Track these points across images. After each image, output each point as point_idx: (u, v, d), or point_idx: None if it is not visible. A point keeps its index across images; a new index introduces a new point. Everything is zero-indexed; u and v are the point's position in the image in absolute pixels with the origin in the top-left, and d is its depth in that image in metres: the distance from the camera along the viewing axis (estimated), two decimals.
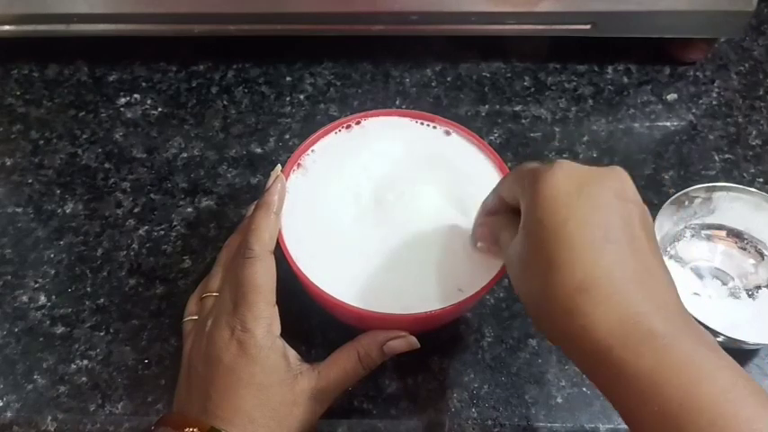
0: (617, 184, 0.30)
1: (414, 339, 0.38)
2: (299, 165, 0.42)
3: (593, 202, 0.29)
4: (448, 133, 0.44)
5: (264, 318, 0.36)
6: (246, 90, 0.59)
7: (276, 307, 0.37)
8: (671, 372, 0.25)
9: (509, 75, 0.60)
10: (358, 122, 0.44)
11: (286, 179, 0.40)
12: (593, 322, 0.27)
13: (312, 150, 0.43)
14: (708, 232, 0.48)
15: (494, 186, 0.37)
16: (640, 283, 0.28)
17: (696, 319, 0.36)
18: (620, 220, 0.29)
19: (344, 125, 0.44)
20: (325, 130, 0.43)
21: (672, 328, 0.27)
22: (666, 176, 0.54)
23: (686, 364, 0.26)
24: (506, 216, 0.35)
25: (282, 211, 0.39)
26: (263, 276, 0.36)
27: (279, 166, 0.40)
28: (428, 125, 0.44)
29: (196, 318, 0.40)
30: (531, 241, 0.30)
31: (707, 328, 0.40)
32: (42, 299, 0.46)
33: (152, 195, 0.52)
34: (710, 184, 0.46)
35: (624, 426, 0.41)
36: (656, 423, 0.26)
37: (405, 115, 0.44)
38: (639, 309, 0.27)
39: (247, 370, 0.35)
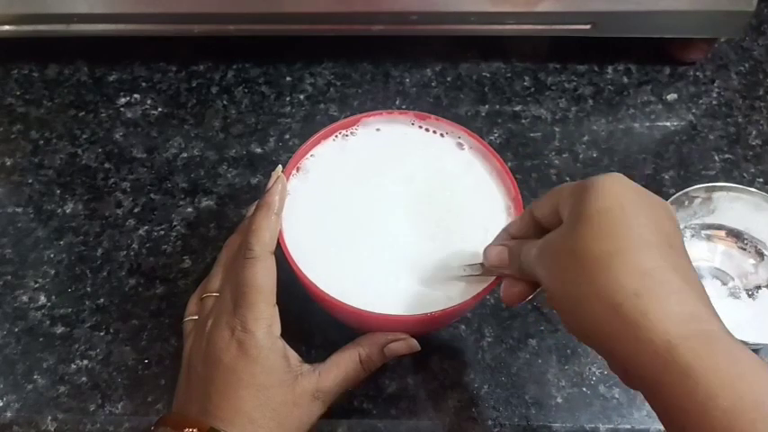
0: (659, 198, 0.31)
1: (414, 342, 0.38)
2: (299, 167, 0.42)
3: (651, 209, 0.30)
4: (442, 136, 0.44)
5: (265, 318, 0.36)
6: (246, 90, 0.59)
7: (276, 307, 0.37)
8: (738, 370, 0.25)
9: (509, 75, 0.60)
10: (358, 125, 0.44)
11: (286, 181, 0.40)
12: (653, 325, 0.27)
13: (312, 155, 0.43)
14: (708, 232, 0.48)
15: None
16: (693, 288, 0.28)
17: None
18: (672, 230, 0.30)
19: (344, 127, 0.44)
20: (325, 131, 0.43)
21: (724, 331, 0.27)
22: (666, 176, 0.54)
23: (746, 363, 0.26)
24: (530, 241, 0.34)
25: (283, 211, 0.39)
26: (264, 277, 0.36)
27: (279, 167, 0.40)
28: (427, 129, 0.44)
29: (196, 318, 0.40)
30: (585, 231, 0.29)
31: None
32: (42, 299, 0.46)
33: (152, 195, 0.52)
34: (710, 184, 0.46)
35: (623, 426, 0.41)
36: (723, 423, 0.25)
37: (405, 115, 0.44)
38: (699, 310, 0.27)
39: (248, 370, 0.35)
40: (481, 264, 0.38)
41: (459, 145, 0.44)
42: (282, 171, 0.40)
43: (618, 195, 0.30)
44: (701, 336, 0.26)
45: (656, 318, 0.27)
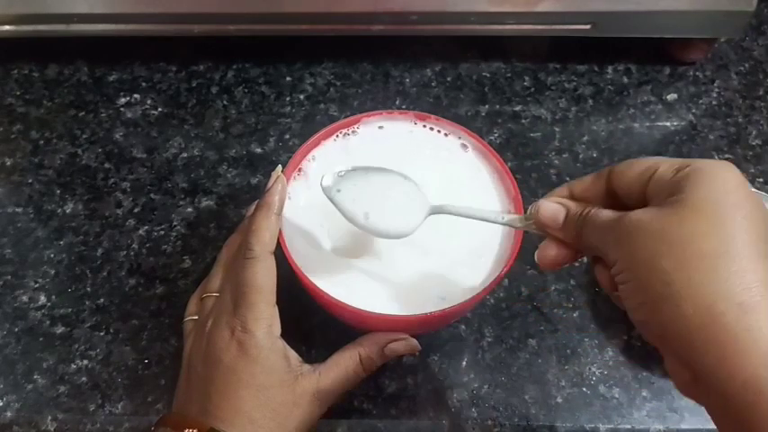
0: (762, 204, 0.28)
1: (415, 342, 0.38)
2: (300, 168, 0.42)
3: (762, 213, 0.26)
4: (446, 135, 0.44)
5: (265, 318, 0.36)
6: (246, 90, 0.59)
7: (276, 308, 0.37)
8: None
9: (509, 75, 0.60)
10: (358, 126, 0.44)
11: (287, 182, 0.40)
12: (753, 342, 0.24)
13: (313, 156, 0.43)
14: None
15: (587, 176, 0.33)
16: None
17: None
18: None
19: (345, 128, 0.44)
20: (326, 131, 0.43)
21: None
22: None
23: None
24: (599, 210, 0.31)
25: (283, 212, 0.39)
26: (264, 277, 0.36)
27: (279, 167, 0.40)
28: (430, 128, 0.44)
29: (196, 318, 0.40)
30: (692, 223, 0.26)
31: None
32: (42, 299, 0.46)
33: (152, 195, 0.52)
34: None
35: (623, 426, 0.41)
36: None
37: (405, 115, 0.44)
38: None
39: (248, 370, 0.35)
40: (523, 216, 0.35)
41: (462, 145, 0.44)
42: (282, 171, 0.40)
43: (733, 189, 0.26)
44: None
45: (761, 338, 0.24)
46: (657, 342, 0.28)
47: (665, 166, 0.29)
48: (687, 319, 0.25)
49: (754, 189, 0.46)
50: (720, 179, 0.27)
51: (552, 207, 0.33)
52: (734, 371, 0.24)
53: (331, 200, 0.36)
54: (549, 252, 0.33)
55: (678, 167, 0.28)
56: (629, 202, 0.30)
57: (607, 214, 0.30)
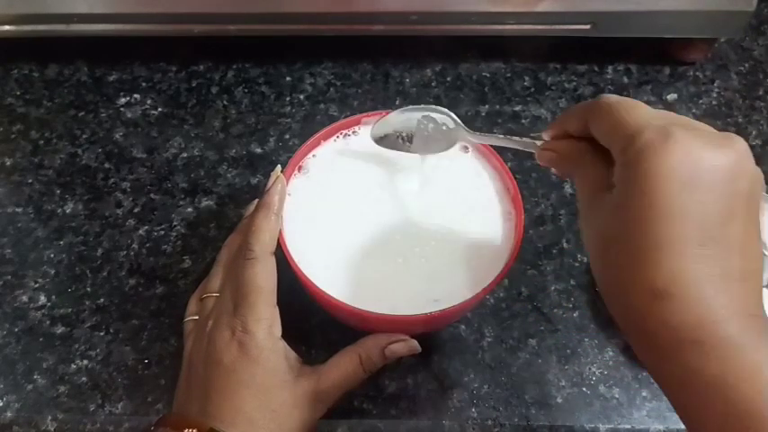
0: (736, 171, 0.27)
1: (415, 343, 0.38)
2: (300, 168, 0.42)
3: (701, 197, 0.26)
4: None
5: (265, 319, 0.36)
6: (246, 90, 0.59)
7: (277, 308, 0.37)
8: (738, 377, 0.25)
9: (509, 75, 0.60)
10: (359, 125, 0.44)
11: (287, 181, 0.40)
12: (668, 326, 0.26)
13: (313, 155, 0.43)
14: None
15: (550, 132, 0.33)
16: (725, 289, 0.26)
17: None
18: (726, 220, 0.26)
19: (346, 127, 0.44)
20: (326, 131, 0.43)
21: (748, 335, 0.26)
22: None
23: (755, 371, 0.25)
24: (585, 146, 0.31)
25: (284, 212, 0.39)
26: (264, 278, 0.37)
27: (279, 167, 0.40)
28: None
29: (197, 318, 0.40)
30: (619, 226, 0.27)
31: None
32: (42, 299, 0.46)
33: (152, 195, 0.52)
34: None
35: (623, 426, 0.41)
36: (719, 427, 0.25)
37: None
38: (717, 316, 0.26)
39: (248, 371, 0.35)
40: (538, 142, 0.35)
41: (463, 147, 0.44)
42: (282, 171, 0.40)
43: (660, 189, 0.26)
44: (709, 343, 0.25)
45: (674, 326, 0.26)
46: (624, 332, 0.29)
47: (622, 133, 0.28)
48: (628, 310, 0.28)
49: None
50: (649, 179, 0.26)
51: (545, 155, 0.34)
52: (665, 346, 0.26)
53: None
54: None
55: (632, 140, 0.27)
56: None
57: (590, 173, 0.31)
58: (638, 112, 0.28)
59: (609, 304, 0.29)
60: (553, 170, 0.34)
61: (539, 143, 0.35)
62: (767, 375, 0.25)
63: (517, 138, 0.37)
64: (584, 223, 0.31)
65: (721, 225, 0.26)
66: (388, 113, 0.44)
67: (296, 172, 0.42)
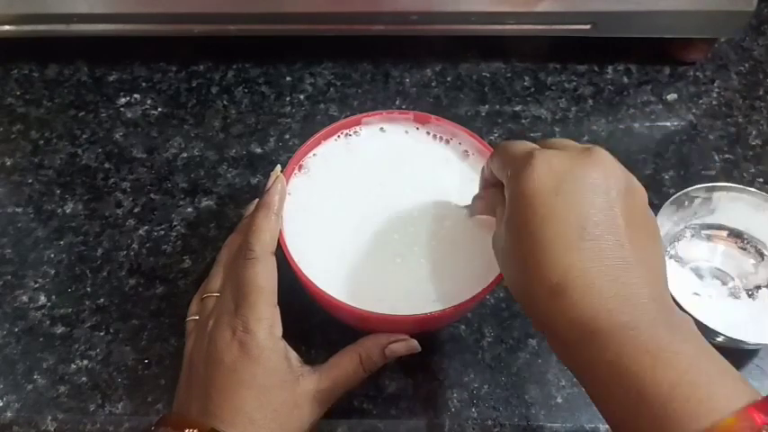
0: (596, 173, 0.30)
1: (415, 343, 0.38)
2: (300, 167, 0.42)
3: (571, 199, 0.29)
4: (447, 141, 0.44)
5: (266, 318, 0.36)
6: (246, 90, 0.59)
7: (278, 308, 0.37)
8: (630, 359, 0.26)
9: (509, 75, 0.60)
10: (360, 125, 0.44)
11: (287, 181, 0.40)
12: (568, 320, 0.28)
13: (314, 154, 0.43)
14: (708, 232, 0.48)
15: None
16: (614, 279, 0.28)
17: (695, 319, 0.36)
18: (598, 215, 0.29)
19: (346, 127, 0.44)
20: (327, 131, 0.43)
21: (640, 320, 0.27)
22: (666, 176, 0.54)
23: (645, 351, 0.26)
24: (501, 190, 0.34)
25: (284, 211, 0.39)
26: (265, 277, 0.37)
27: (278, 167, 0.40)
28: (434, 136, 0.44)
29: (197, 318, 0.40)
30: (511, 238, 0.31)
31: (707, 328, 0.40)
32: (42, 299, 0.46)
33: (152, 195, 0.52)
34: (710, 184, 0.46)
35: None
36: (621, 411, 0.27)
37: (405, 115, 0.44)
38: (610, 303, 0.28)
39: (249, 371, 0.35)
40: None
41: (463, 151, 0.44)
42: (282, 171, 0.40)
43: (533, 199, 0.30)
44: (603, 332, 0.27)
45: (570, 320, 0.28)
46: (540, 331, 0.32)
47: (503, 177, 0.33)
48: (533, 311, 0.30)
49: (753, 189, 0.46)
50: (521, 193, 0.30)
51: (478, 205, 0.39)
52: (568, 340, 0.29)
53: None
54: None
55: (512, 173, 0.32)
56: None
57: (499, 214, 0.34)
58: (516, 146, 0.33)
59: (523, 308, 0.32)
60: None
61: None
62: (654, 353, 0.26)
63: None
64: (493, 245, 0.34)
65: (599, 222, 0.29)
66: (388, 113, 0.44)
67: (296, 171, 0.42)
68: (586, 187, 0.30)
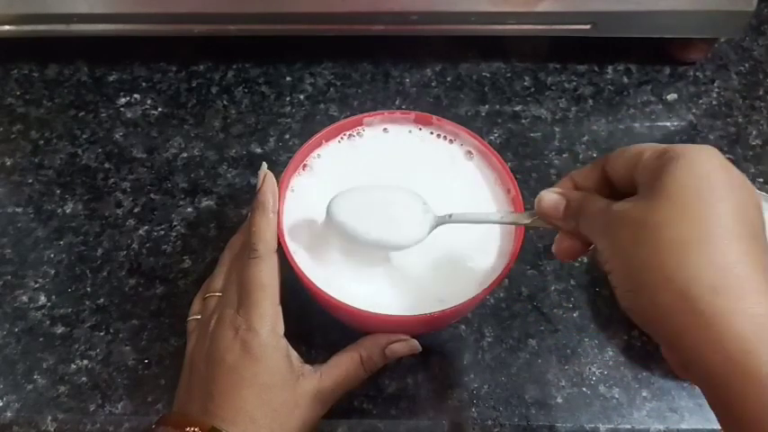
0: (744, 178, 0.28)
1: (415, 343, 0.38)
2: (305, 166, 0.42)
3: (743, 192, 0.27)
4: (451, 141, 0.44)
5: (269, 316, 0.36)
6: (246, 90, 0.59)
7: (280, 307, 0.37)
8: None
9: (509, 75, 0.60)
10: (363, 128, 0.44)
11: (290, 179, 0.40)
12: (727, 324, 0.25)
13: (318, 155, 0.43)
14: None
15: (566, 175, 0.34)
16: None
17: None
18: (759, 219, 0.27)
19: (348, 128, 0.44)
20: (328, 131, 0.43)
21: None
22: None
23: None
24: (596, 198, 0.31)
25: (285, 210, 0.39)
26: (268, 275, 0.37)
27: (264, 165, 0.40)
28: (439, 135, 0.44)
29: (199, 317, 0.40)
30: (665, 210, 0.27)
31: None
32: (42, 299, 0.46)
33: (152, 195, 0.52)
34: None
35: (623, 426, 0.41)
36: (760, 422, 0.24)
37: (406, 115, 0.44)
38: None
39: (251, 370, 0.35)
40: (528, 213, 0.36)
41: (467, 151, 0.43)
42: (283, 170, 0.40)
43: (708, 173, 0.27)
44: None
45: (734, 319, 0.24)
46: (648, 330, 0.28)
47: (648, 152, 0.29)
48: (668, 307, 0.26)
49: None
50: (697, 164, 0.27)
51: (553, 197, 0.33)
52: (713, 355, 0.25)
53: (334, 222, 0.37)
54: (562, 244, 0.33)
55: (660, 154, 0.28)
56: (623, 189, 0.30)
57: (599, 204, 0.30)
58: (653, 144, 0.29)
59: (636, 298, 0.27)
60: (554, 248, 0.34)
61: (524, 218, 0.36)
62: None
63: (499, 213, 0.38)
64: (601, 233, 0.30)
65: (760, 228, 0.27)
66: (390, 114, 0.44)
67: (300, 170, 0.42)
68: (747, 190, 0.27)
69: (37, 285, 0.47)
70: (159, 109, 0.57)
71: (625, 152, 0.31)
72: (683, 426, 0.41)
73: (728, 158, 0.54)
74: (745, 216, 0.26)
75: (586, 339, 0.45)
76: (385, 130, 0.44)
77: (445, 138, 0.44)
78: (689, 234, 0.26)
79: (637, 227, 0.27)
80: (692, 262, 0.26)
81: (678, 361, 0.28)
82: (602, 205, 0.30)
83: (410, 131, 0.44)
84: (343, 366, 0.37)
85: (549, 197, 0.33)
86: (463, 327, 0.45)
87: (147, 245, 0.49)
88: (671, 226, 0.26)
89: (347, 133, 0.44)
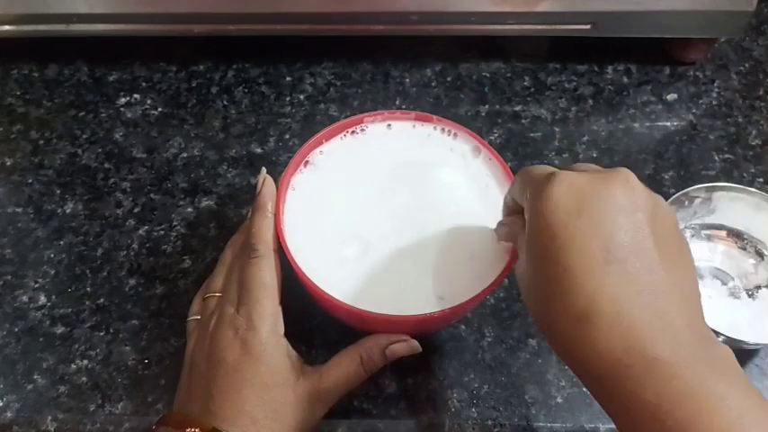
0: (621, 192, 0.28)
1: (416, 343, 0.38)
2: (306, 163, 0.42)
3: (594, 220, 0.27)
4: (455, 136, 0.44)
5: (270, 315, 0.36)
6: (246, 90, 0.59)
7: (280, 307, 0.37)
8: (673, 403, 0.24)
9: (509, 75, 0.60)
10: (365, 125, 0.44)
11: (292, 177, 0.41)
12: (597, 351, 0.26)
13: (321, 152, 0.43)
14: (708, 232, 0.48)
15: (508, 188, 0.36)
16: (646, 305, 0.26)
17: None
18: (624, 236, 0.27)
19: (352, 127, 0.44)
20: (328, 130, 0.43)
21: (679, 354, 0.25)
22: (666, 176, 0.54)
23: (689, 395, 0.24)
24: (522, 217, 0.33)
25: (286, 208, 0.40)
26: (269, 275, 0.37)
27: (263, 169, 0.41)
28: (434, 127, 0.44)
29: (199, 317, 0.40)
30: (533, 264, 0.29)
31: None
32: (42, 299, 0.46)
33: (152, 195, 0.52)
34: (710, 184, 0.46)
35: None
36: None
37: (406, 115, 0.44)
38: (644, 334, 0.26)
39: (251, 369, 0.35)
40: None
41: (469, 150, 0.43)
42: (285, 170, 0.40)
43: (554, 223, 0.28)
44: (641, 365, 0.25)
45: (602, 350, 0.26)
46: (567, 364, 0.30)
47: (525, 185, 0.31)
48: (560, 341, 0.29)
49: (753, 189, 0.46)
50: (553, 204, 0.28)
51: (502, 230, 0.37)
52: (600, 372, 0.27)
53: None
54: (501, 229, 0.38)
55: (531, 191, 0.30)
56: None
57: (521, 238, 0.32)
58: (537, 169, 0.32)
59: (548, 339, 0.30)
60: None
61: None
62: (702, 396, 0.24)
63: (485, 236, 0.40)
64: (516, 274, 0.33)
65: (625, 243, 0.27)
66: (390, 114, 0.44)
67: (301, 167, 0.42)
68: (610, 207, 0.28)
69: (37, 285, 0.47)
70: (159, 109, 0.57)
71: (518, 180, 0.33)
72: None
73: (728, 158, 0.55)
74: (612, 239, 0.27)
75: None
76: (389, 126, 0.44)
77: (450, 132, 0.44)
78: (556, 271, 0.28)
79: (524, 281, 0.31)
80: (564, 296, 0.27)
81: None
82: (521, 244, 0.32)
83: (414, 126, 0.44)
84: (343, 366, 0.37)
85: (500, 229, 0.38)
86: (463, 327, 0.45)
87: (147, 245, 0.49)
88: (540, 279, 0.29)
89: (350, 130, 0.44)
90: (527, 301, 0.31)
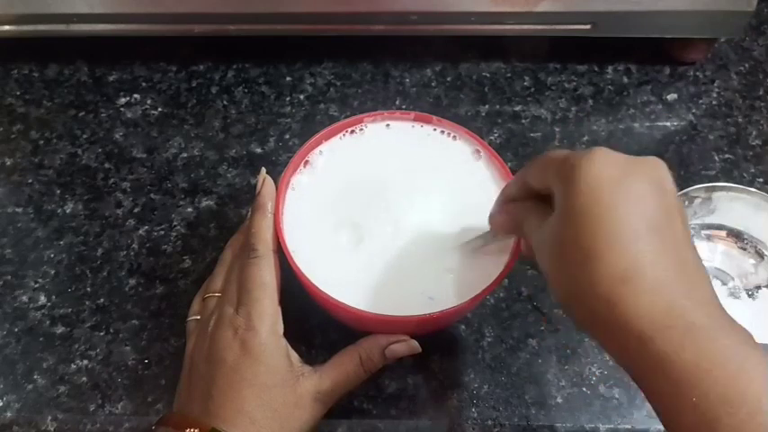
0: (657, 174, 0.29)
1: (415, 343, 0.38)
2: (305, 163, 0.42)
3: (635, 191, 0.28)
4: (455, 138, 0.44)
5: (269, 315, 0.36)
6: (246, 90, 0.59)
7: (279, 307, 0.37)
8: (712, 364, 0.25)
9: (509, 75, 0.60)
10: (364, 125, 0.44)
11: (292, 176, 0.41)
12: (636, 313, 0.27)
13: (320, 151, 0.43)
14: (708, 232, 0.48)
15: (512, 179, 0.36)
16: (682, 275, 0.27)
17: None
18: (661, 212, 0.28)
19: (352, 127, 0.44)
20: (329, 130, 0.43)
21: (713, 323, 0.27)
22: None
23: (727, 358, 0.25)
24: (530, 203, 0.33)
25: (285, 208, 0.40)
26: (268, 275, 0.37)
27: (263, 169, 0.41)
28: (434, 128, 0.44)
29: (199, 318, 0.40)
30: (570, 228, 0.29)
31: None
32: (42, 299, 0.46)
33: (152, 195, 0.52)
34: (710, 184, 0.46)
35: (623, 426, 0.41)
36: (692, 414, 0.25)
37: (406, 116, 0.44)
38: (682, 301, 0.27)
39: (251, 370, 0.35)
40: (487, 233, 0.38)
41: (469, 151, 0.43)
42: (283, 171, 0.40)
43: (597, 187, 0.28)
44: (679, 328, 0.26)
45: (641, 311, 0.27)
46: (588, 332, 0.30)
47: (554, 167, 0.31)
48: (592, 305, 0.28)
49: (753, 189, 0.46)
50: (587, 180, 0.29)
51: (499, 220, 0.36)
52: (635, 335, 0.27)
53: None
54: (495, 218, 0.37)
55: (560, 164, 0.30)
56: (547, 194, 0.32)
57: (533, 223, 0.32)
58: (559, 151, 0.31)
59: (571, 307, 0.30)
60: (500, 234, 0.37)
61: (492, 236, 0.38)
62: (739, 360, 0.25)
63: (473, 242, 0.39)
64: (537, 252, 0.32)
65: (661, 219, 0.28)
66: (390, 114, 0.44)
67: (301, 167, 0.42)
68: (649, 183, 0.29)
69: (37, 285, 0.47)
70: (159, 109, 0.57)
71: (537, 164, 0.32)
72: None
73: (728, 158, 0.55)
74: (643, 213, 0.28)
75: (586, 339, 0.45)
76: (388, 126, 0.44)
77: (449, 134, 0.44)
78: (592, 245, 0.28)
79: (556, 245, 0.30)
80: (602, 268, 0.28)
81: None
82: (534, 224, 0.32)
83: (413, 126, 0.44)
84: (342, 367, 0.37)
85: (496, 219, 0.37)
86: (463, 327, 0.45)
87: (147, 245, 0.49)
88: (579, 241, 0.28)
89: (349, 129, 0.44)
90: (553, 272, 0.30)
